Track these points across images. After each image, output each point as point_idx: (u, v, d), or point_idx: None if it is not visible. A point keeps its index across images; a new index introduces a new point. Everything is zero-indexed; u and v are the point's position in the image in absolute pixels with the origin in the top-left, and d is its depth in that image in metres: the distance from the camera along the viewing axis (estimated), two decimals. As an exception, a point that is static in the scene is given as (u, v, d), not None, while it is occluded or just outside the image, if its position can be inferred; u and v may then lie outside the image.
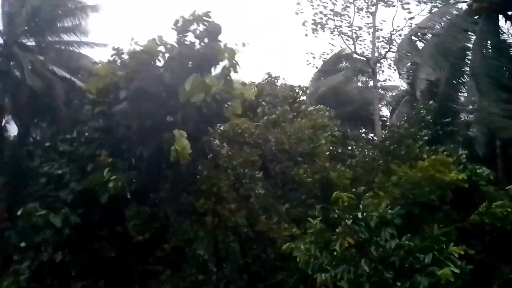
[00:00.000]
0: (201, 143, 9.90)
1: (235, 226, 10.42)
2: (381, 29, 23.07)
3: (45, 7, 18.03)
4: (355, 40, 23.02)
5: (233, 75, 9.73)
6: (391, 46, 22.09)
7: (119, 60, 10.07)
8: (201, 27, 9.62)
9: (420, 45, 14.07)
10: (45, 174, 9.69)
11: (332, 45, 23.69)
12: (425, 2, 19.04)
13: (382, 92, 26.19)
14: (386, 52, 22.46)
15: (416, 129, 11.98)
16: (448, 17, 13.94)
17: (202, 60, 9.49)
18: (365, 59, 23.34)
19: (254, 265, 11.92)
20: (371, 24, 22.85)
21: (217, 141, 11.02)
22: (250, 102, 11.28)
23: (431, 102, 12.30)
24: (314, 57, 24.37)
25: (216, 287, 11.89)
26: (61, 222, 9.02)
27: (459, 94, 13.00)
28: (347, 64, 26.19)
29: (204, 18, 9.56)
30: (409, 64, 13.77)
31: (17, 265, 9.74)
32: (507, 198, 8.43)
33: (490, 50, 12.55)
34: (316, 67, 25.38)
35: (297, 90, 14.57)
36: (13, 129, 17.57)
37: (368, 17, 23.09)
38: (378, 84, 24.62)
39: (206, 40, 9.62)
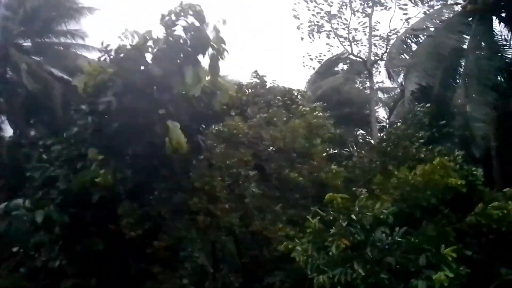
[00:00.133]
0: (195, 136, 9.93)
1: (228, 226, 10.43)
2: (377, 29, 23.23)
3: (42, 9, 18.03)
4: (351, 41, 23.14)
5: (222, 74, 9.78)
6: (388, 47, 22.19)
7: (108, 58, 10.07)
8: (188, 19, 9.70)
9: (413, 47, 14.10)
10: (39, 176, 9.65)
11: (330, 45, 23.73)
12: (423, 3, 19.15)
13: (380, 93, 26.33)
14: (383, 54, 22.55)
15: (413, 131, 12.01)
16: (442, 19, 14.00)
17: (190, 52, 9.55)
18: (361, 60, 23.44)
19: (250, 266, 11.92)
20: (367, 25, 22.98)
21: (211, 141, 11.04)
22: (241, 102, 11.36)
23: (428, 104, 12.32)
24: (311, 59, 24.46)
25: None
26: (42, 218, 8.95)
27: (455, 95, 13.03)
28: (343, 66, 26.31)
29: (191, 10, 9.63)
30: (399, 68, 13.75)
31: (12, 265, 9.69)
32: (504, 200, 8.47)
33: (483, 52, 12.61)
34: (313, 68, 25.47)
35: (295, 94, 14.63)
36: (8, 130, 17.52)
37: (364, 17, 23.22)
38: (376, 85, 24.79)
39: (193, 33, 9.68)
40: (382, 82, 26.07)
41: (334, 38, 23.03)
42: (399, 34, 19.89)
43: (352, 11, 22.90)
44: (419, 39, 14.18)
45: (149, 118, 9.14)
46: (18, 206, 9.21)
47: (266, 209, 10.86)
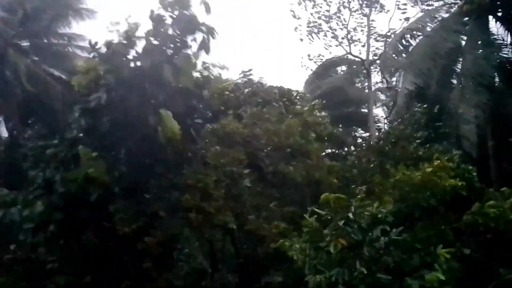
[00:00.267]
0: (188, 126, 10.02)
1: (222, 224, 10.44)
2: (374, 27, 23.30)
3: (41, 9, 18.04)
4: (350, 41, 23.20)
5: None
6: (386, 47, 22.23)
7: (97, 55, 10.17)
8: (176, 12, 9.83)
9: (410, 47, 14.08)
10: (35, 178, 9.69)
11: (329, 45, 23.81)
12: (422, 3, 19.17)
13: (379, 93, 26.36)
14: (381, 54, 22.58)
15: (411, 131, 12.04)
16: (439, 19, 14.02)
17: (180, 41, 9.70)
18: (360, 60, 23.51)
19: (248, 265, 11.92)
20: (365, 24, 23.07)
21: (207, 140, 11.08)
22: (238, 101, 11.44)
23: (425, 105, 12.35)
24: (310, 59, 24.51)
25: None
26: (36, 215, 8.99)
27: (451, 95, 13.03)
28: (342, 66, 26.35)
29: (177, 4, 9.77)
30: (393, 69, 13.75)
31: (8, 264, 9.70)
32: (502, 199, 8.48)
33: (480, 52, 12.63)
34: (311, 70, 25.50)
35: (294, 94, 14.65)
36: (3, 130, 17.51)
37: (362, 18, 23.30)
38: (376, 85, 24.83)
39: (179, 17, 9.83)
40: (381, 82, 26.14)
41: (332, 38, 23.11)
42: (397, 34, 19.94)
43: (350, 12, 22.98)
44: (416, 39, 14.20)
45: (142, 110, 9.24)
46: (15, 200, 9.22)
47: (262, 207, 10.87)
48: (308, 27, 23.01)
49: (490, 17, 13.38)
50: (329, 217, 7.46)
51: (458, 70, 13.27)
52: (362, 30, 23.60)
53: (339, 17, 23.17)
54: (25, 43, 18.32)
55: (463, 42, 13.28)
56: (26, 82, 15.50)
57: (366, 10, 23.44)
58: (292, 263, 7.74)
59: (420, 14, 18.63)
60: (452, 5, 14.37)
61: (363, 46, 23.69)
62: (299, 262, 7.44)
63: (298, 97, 14.32)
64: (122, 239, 9.61)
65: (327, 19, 23.05)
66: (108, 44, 9.79)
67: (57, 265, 9.34)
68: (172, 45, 9.71)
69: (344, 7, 22.93)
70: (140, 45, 9.99)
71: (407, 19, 20.97)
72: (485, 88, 11.92)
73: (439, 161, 8.42)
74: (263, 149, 11.49)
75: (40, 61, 17.65)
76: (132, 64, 9.64)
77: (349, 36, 23.34)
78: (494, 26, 13.33)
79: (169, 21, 9.86)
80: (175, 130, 8.81)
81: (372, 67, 23.58)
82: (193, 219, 9.96)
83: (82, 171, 9.11)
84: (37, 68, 16.98)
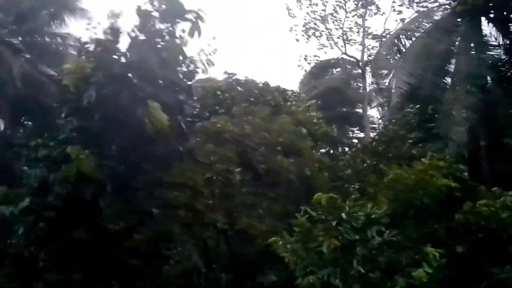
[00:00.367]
0: (176, 117, 10.09)
1: (212, 222, 10.45)
2: (369, 28, 23.42)
3: (35, 8, 17.92)
4: (345, 41, 23.32)
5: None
6: (380, 48, 22.32)
7: (85, 52, 10.22)
8: (163, 6, 9.93)
9: (403, 48, 14.16)
10: (27, 177, 9.66)
11: (324, 46, 23.90)
12: (418, 4, 19.28)
13: (374, 93, 26.48)
14: (375, 55, 22.65)
15: (403, 131, 12.11)
16: (432, 20, 14.11)
17: (167, 35, 9.80)
18: (355, 60, 23.62)
19: (241, 264, 11.94)
20: (361, 25, 23.18)
21: (198, 138, 11.12)
22: (232, 100, 11.48)
23: (417, 106, 12.43)
24: (305, 59, 24.57)
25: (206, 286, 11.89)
26: (18, 211, 8.98)
27: (444, 96, 13.13)
28: (338, 67, 26.43)
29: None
30: (387, 70, 13.82)
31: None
32: (493, 199, 8.56)
33: (472, 53, 12.74)
34: (305, 71, 25.57)
35: (289, 94, 14.67)
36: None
37: (357, 18, 23.41)
38: (372, 86, 24.95)
39: (169, 14, 9.91)
40: (377, 83, 26.20)
41: (328, 39, 23.21)
42: (391, 34, 20.03)
43: (346, 12, 23.08)
44: (410, 40, 14.27)
45: (131, 105, 9.30)
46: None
47: (253, 206, 10.89)
48: (304, 27, 23.10)
49: (483, 19, 13.49)
50: (322, 217, 7.48)
51: (451, 70, 13.37)
52: (358, 32, 23.74)
53: (334, 17, 23.28)
54: (19, 42, 18.20)
55: (456, 43, 13.38)
56: (19, 81, 15.39)
57: (362, 11, 23.58)
58: (285, 262, 7.73)
59: (415, 15, 18.75)
60: (446, 6, 14.46)
61: (359, 45, 23.83)
62: (291, 263, 7.43)
63: (293, 97, 14.35)
64: (113, 237, 9.62)
65: (323, 18, 23.14)
66: (96, 42, 9.86)
67: (48, 263, 9.31)
68: (159, 39, 9.84)
69: (340, 7, 23.05)
70: (127, 41, 10.13)
71: (402, 20, 21.12)
72: (478, 89, 12.02)
73: (430, 160, 8.46)
74: (254, 147, 11.51)
75: (34, 60, 17.52)
76: (120, 60, 9.71)
77: (344, 37, 23.45)
78: (487, 27, 13.47)
79: (156, 14, 9.96)
80: (163, 121, 8.90)
81: (367, 68, 23.70)
82: (182, 216, 9.98)
83: (73, 169, 9.11)
84: (31, 66, 16.85)
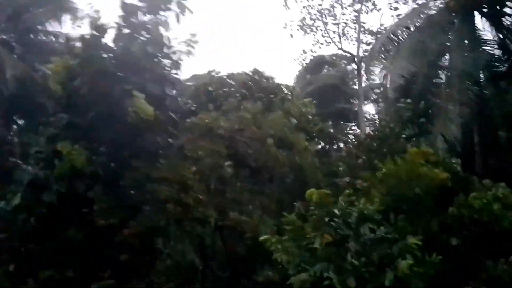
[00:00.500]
0: (163, 105, 10.17)
1: (202, 217, 10.46)
2: (365, 24, 23.43)
3: (30, 6, 17.84)
4: (341, 36, 23.34)
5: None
6: (374, 43, 22.29)
7: (69, 49, 10.30)
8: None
9: (398, 43, 14.15)
10: (20, 175, 9.67)
11: (320, 43, 23.92)
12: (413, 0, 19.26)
13: (370, 89, 26.48)
14: (370, 50, 22.63)
15: (396, 126, 12.14)
16: (426, 16, 14.11)
17: (150, 27, 9.91)
18: (350, 55, 23.63)
19: (236, 261, 11.96)
20: (357, 21, 23.17)
21: (186, 134, 11.15)
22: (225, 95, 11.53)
23: (408, 100, 12.45)
24: (305, 52, 24.55)
25: (202, 284, 11.91)
26: (7, 206, 9.01)
27: (438, 91, 13.16)
28: (333, 63, 26.44)
29: None
30: (381, 65, 13.84)
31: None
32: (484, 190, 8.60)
33: (466, 49, 12.76)
34: (302, 66, 25.54)
35: (284, 90, 14.64)
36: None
37: (354, 13, 23.41)
38: (368, 81, 24.94)
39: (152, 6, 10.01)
40: (373, 79, 26.21)
41: (324, 34, 23.22)
42: (386, 29, 20.00)
43: (342, 7, 23.08)
44: (404, 35, 14.26)
45: (119, 98, 9.38)
46: None
47: (244, 201, 10.91)
48: (300, 21, 23.11)
49: (476, 14, 13.50)
50: (316, 212, 7.49)
51: (445, 65, 13.39)
52: (354, 28, 23.74)
53: (330, 11, 23.31)
54: (12, 39, 18.10)
55: (450, 38, 13.39)
56: (13, 78, 15.32)
57: (358, 6, 23.58)
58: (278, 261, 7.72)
59: (411, 10, 18.71)
60: (441, 0, 14.45)
61: (355, 41, 23.83)
62: (284, 262, 7.43)
63: (287, 91, 14.32)
64: (105, 232, 9.67)
65: (320, 12, 23.17)
66: (81, 38, 9.96)
67: (40, 260, 9.34)
68: (144, 32, 9.95)
69: (336, 1, 23.05)
70: (111, 35, 10.26)
71: (399, 16, 21.10)
72: (472, 86, 12.06)
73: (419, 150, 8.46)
74: (245, 141, 11.49)
75: (28, 58, 17.43)
76: (105, 55, 9.81)
77: (340, 32, 23.47)
78: (480, 22, 13.49)
79: (139, 5, 10.08)
80: (148, 112, 8.97)
81: (362, 63, 23.71)
82: (171, 211, 10.00)
83: (67, 164, 9.15)
84: (24, 64, 16.76)
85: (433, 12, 14.21)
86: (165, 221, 10.74)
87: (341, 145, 18.70)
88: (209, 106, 11.71)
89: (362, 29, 23.82)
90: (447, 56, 13.37)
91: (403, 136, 11.60)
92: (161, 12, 10.34)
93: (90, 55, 9.79)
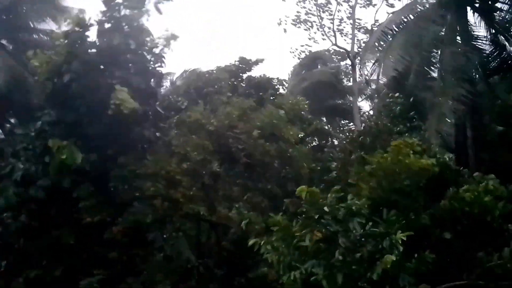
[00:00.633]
0: (148, 98, 10.23)
1: (192, 213, 10.45)
2: (361, 21, 23.44)
3: (21, 4, 17.69)
4: (335, 32, 23.35)
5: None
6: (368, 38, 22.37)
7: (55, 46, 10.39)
8: None
9: (390, 38, 14.13)
10: (11, 171, 9.65)
11: (315, 40, 23.94)
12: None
13: (364, 85, 26.50)
14: (364, 45, 22.66)
15: (387, 122, 12.16)
16: (418, 10, 14.10)
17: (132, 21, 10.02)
18: (345, 51, 23.64)
19: (231, 259, 11.97)
20: (351, 16, 23.16)
21: (175, 130, 11.16)
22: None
23: (397, 94, 12.46)
24: (302, 46, 24.54)
25: (198, 281, 11.93)
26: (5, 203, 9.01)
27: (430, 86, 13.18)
28: (327, 59, 26.43)
29: None
30: (374, 60, 13.83)
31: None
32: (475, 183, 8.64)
33: (459, 44, 12.78)
34: (299, 58, 25.53)
35: (275, 84, 14.59)
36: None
37: (350, 11, 23.39)
38: (362, 77, 24.92)
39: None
40: (367, 74, 26.19)
41: (319, 29, 23.22)
42: (381, 24, 19.96)
43: (337, 3, 23.07)
44: (398, 30, 14.24)
45: (104, 92, 9.44)
46: None
47: (234, 198, 10.90)
48: (296, 16, 23.14)
49: (468, 9, 13.51)
50: (304, 210, 7.48)
51: (438, 60, 13.41)
52: (349, 23, 23.74)
53: (325, 6, 23.30)
54: (3, 38, 17.97)
55: (442, 33, 13.40)
56: (3, 76, 15.21)
57: (353, 2, 23.58)
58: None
59: (405, 5, 18.67)
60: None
61: (350, 38, 23.83)
62: (274, 263, 7.41)
63: (278, 85, 14.26)
64: (94, 230, 9.66)
65: (318, 5, 23.19)
66: (64, 34, 10.02)
67: (30, 257, 9.32)
68: (125, 25, 10.04)
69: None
70: (95, 30, 10.38)
71: (393, 13, 21.05)
72: (465, 82, 12.09)
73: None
74: (234, 136, 11.46)
75: (18, 56, 17.30)
76: (89, 49, 9.89)
77: (335, 28, 23.48)
78: (472, 17, 13.50)
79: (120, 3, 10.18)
80: (128, 104, 9.02)
81: (357, 59, 23.72)
82: (158, 206, 10.00)
83: (57, 162, 9.16)
84: (14, 62, 16.64)
85: (426, 6, 14.20)
86: (153, 217, 10.71)
87: (335, 141, 18.71)
88: (199, 102, 11.66)
89: (357, 24, 23.84)
90: (439, 51, 13.37)
91: (397, 130, 11.58)
92: (142, 6, 10.42)
93: (74, 50, 9.82)
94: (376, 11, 24.18)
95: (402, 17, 14.27)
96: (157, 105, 10.89)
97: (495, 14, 13.42)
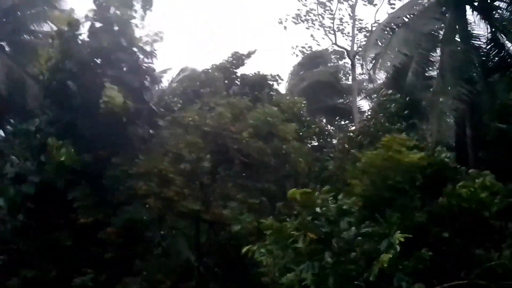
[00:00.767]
0: (143, 101, 10.28)
1: (186, 211, 10.46)
2: (360, 19, 23.44)
3: (18, 7, 17.80)
4: (336, 31, 23.36)
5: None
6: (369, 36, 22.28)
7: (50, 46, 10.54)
8: None
9: (390, 35, 14.09)
10: (7, 168, 9.69)
11: (316, 40, 23.97)
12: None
13: (364, 84, 26.46)
14: (364, 44, 22.64)
15: (385, 120, 12.13)
16: (419, 9, 14.07)
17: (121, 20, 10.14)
18: (344, 50, 23.63)
19: (231, 258, 11.94)
20: (351, 15, 23.17)
21: (169, 129, 11.18)
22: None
23: (390, 91, 12.43)
24: (303, 47, 24.54)
25: (198, 281, 11.92)
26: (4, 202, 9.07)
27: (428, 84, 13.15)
28: (327, 59, 26.40)
29: None
30: (373, 55, 13.79)
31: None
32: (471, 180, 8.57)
33: (458, 43, 12.73)
34: (302, 54, 25.50)
35: (270, 82, 14.53)
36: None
37: (351, 10, 23.40)
38: (361, 76, 24.93)
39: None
40: (365, 74, 26.19)
41: (320, 27, 23.23)
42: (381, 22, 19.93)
43: (338, 2, 23.08)
44: (398, 28, 14.20)
45: (97, 91, 9.55)
46: None
47: (228, 196, 10.89)
48: (296, 14, 23.16)
49: (468, 7, 13.47)
50: (295, 212, 7.44)
51: (437, 59, 13.37)
52: (350, 22, 23.74)
53: (324, 4, 23.34)
54: (2, 40, 18.08)
55: (441, 32, 13.37)
56: (3, 79, 15.31)
57: (353, 1, 23.60)
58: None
59: (404, 3, 18.62)
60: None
61: (350, 38, 23.82)
62: (269, 266, 7.36)
63: (273, 81, 14.21)
64: (90, 230, 9.68)
65: (317, 2, 23.21)
66: (57, 33, 10.19)
67: (26, 257, 9.34)
68: (115, 24, 10.17)
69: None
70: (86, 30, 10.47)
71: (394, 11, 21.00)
72: (464, 80, 12.05)
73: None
74: (231, 136, 11.47)
75: (16, 58, 17.43)
76: (81, 48, 10.02)
77: (335, 27, 23.50)
78: (472, 16, 13.46)
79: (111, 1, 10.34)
80: (116, 101, 9.13)
81: (356, 58, 23.70)
82: (152, 205, 10.02)
83: (55, 162, 9.22)
84: (13, 64, 16.75)
85: (425, 4, 14.16)
86: (147, 216, 10.73)
87: (334, 141, 18.68)
88: (195, 102, 11.67)
89: (357, 25, 23.84)
90: (438, 50, 13.34)
91: (394, 129, 11.54)
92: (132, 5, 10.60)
93: (67, 49, 9.95)
94: (377, 11, 24.15)
95: (402, 15, 14.26)
96: (151, 103, 10.97)
97: (494, 12, 13.36)
